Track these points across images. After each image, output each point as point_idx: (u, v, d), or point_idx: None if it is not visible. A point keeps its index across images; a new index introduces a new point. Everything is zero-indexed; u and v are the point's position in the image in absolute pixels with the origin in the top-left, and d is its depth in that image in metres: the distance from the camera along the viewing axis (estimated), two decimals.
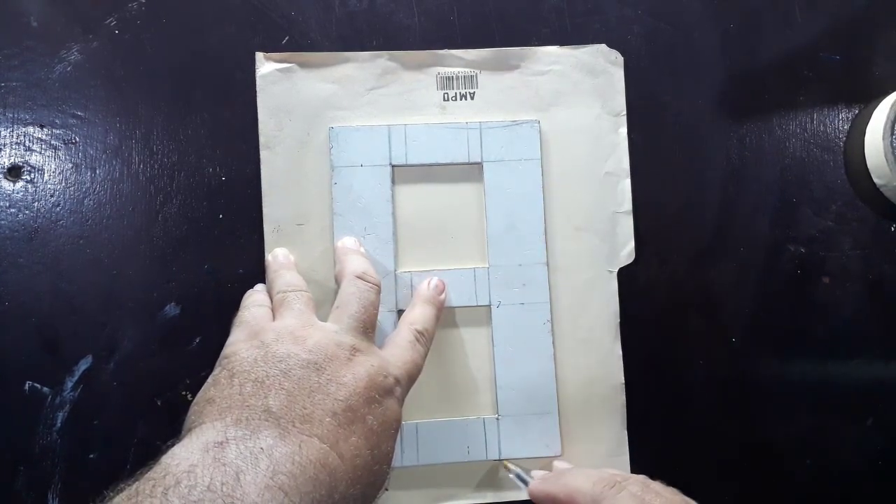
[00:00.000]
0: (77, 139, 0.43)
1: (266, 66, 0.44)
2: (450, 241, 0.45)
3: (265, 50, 0.44)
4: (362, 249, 0.43)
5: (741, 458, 0.46)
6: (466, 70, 0.45)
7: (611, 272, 0.45)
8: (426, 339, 0.40)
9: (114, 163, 0.43)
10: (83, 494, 0.40)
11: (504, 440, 0.43)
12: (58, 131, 0.43)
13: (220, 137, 0.44)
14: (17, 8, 0.43)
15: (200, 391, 0.34)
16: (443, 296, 0.43)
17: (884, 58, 0.48)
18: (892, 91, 0.46)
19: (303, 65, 0.44)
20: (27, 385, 0.41)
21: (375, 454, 0.33)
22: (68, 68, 0.43)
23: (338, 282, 0.41)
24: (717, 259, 0.46)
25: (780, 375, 0.46)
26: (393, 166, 0.44)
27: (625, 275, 0.45)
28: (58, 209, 0.43)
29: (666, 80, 0.47)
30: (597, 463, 0.44)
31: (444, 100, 0.45)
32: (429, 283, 0.43)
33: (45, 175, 0.43)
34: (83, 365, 0.42)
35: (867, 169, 0.46)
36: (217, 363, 0.36)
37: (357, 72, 0.45)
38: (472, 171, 0.45)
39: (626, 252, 0.45)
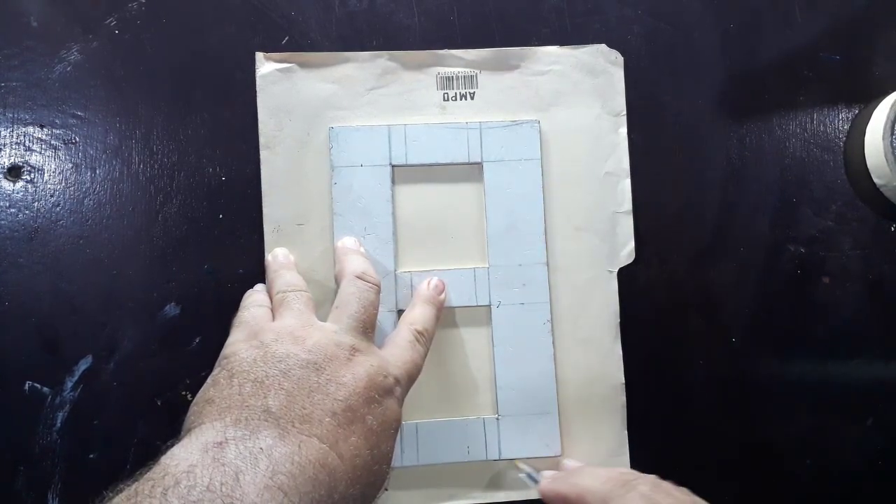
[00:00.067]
0: (77, 139, 0.43)
1: (266, 66, 0.44)
2: (450, 241, 0.45)
3: (265, 50, 0.44)
4: (362, 249, 0.43)
5: (741, 458, 0.46)
6: (466, 70, 0.45)
7: (611, 272, 0.45)
8: (426, 339, 0.40)
9: (114, 163, 0.43)
10: (83, 494, 0.40)
11: (504, 440, 0.43)
12: (58, 131, 0.43)
13: (220, 137, 0.44)
14: (17, 8, 0.43)
15: (200, 391, 0.34)
16: (443, 296, 0.43)
17: (884, 58, 0.48)
18: (892, 91, 0.46)
19: (303, 65, 0.44)
20: (27, 385, 0.41)
21: (375, 454, 0.33)
22: (68, 68, 0.43)
23: (338, 282, 0.41)
24: (717, 259, 0.46)
25: (780, 375, 0.46)
26: (393, 166, 0.44)
27: (625, 275, 0.45)
28: (58, 209, 0.43)
29: (666, 80, 0.47)
30: (597, 463, 0.44)
31: (444, 100, 0.45)
32: (429, 283, 0.43)
33: (45, 175, 0.43)
34: (83, 365, 0.42)
35: (867, 169, 0.46)
36: (217, 363, 0.36)
37: (357, 72, 0.45)
38: (472, 171, 0.45)
39: (626, 252, 0.45)
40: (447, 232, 0.45)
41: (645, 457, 0.44)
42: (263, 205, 0.43)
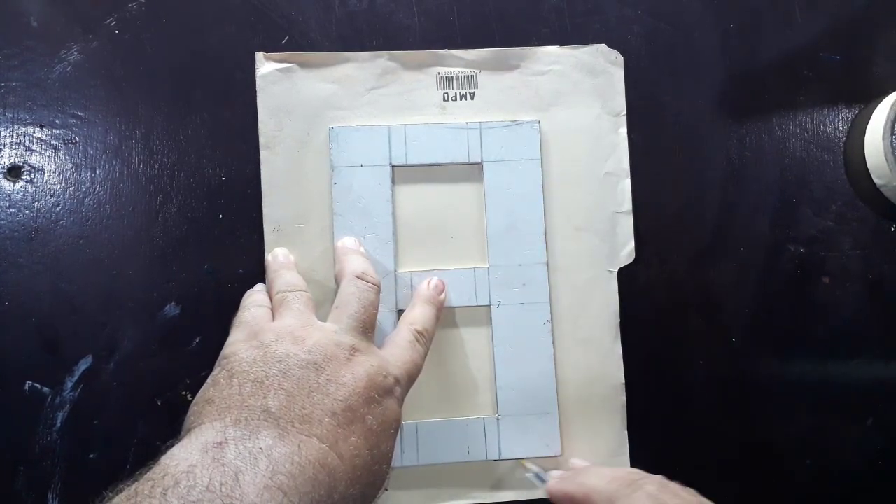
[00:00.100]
0: (77, 139, 0.43)
1: (266, 66, 0.44)
2: (450, 241, 0.45)
3: (265, 50, 0.44)
4: (362, 249, 0.43)
5: (741, 458, 0.46)
6: (466, 70, 0.45)
7: (611, 272, 0.45)
8: (426, 339, 0.40)
9: (114, 163, 0.43)
10: (83, 494, 0.40)
11: (504, 440, 0.43)
12: (58, 131, 0.43)
13: (220, 137, 0.44)
14: (17, 8, 0.43)
15: (200, 391, 0.34)
16: (443, 296, 0.43)
17: (884, 58, 0.48)
18: (892, 91, 0.46)
19: (303, 65, 0.44)
20: (27, 385, 0.41)
21: (375, 454, 0.33)
22: (68, 68, 0.43)
23: (338, 282, 0.41)
24: (717, 259, 0.46)
25: (780, 375, 0.46)
26: (393, 166, 0.44)
27: (625, 275, 0.45)
28: (58, 209, 0.43)
29: (666, 80, 0.47)
30: (596, 463, 0.43)
31: (444, 100, 0.45)
32: (429, 283, 0.43)
33: (45, 175, 0.43)
34: (83, 365, 0.42)
35: (867, 169, 0.46)
36: (216, 363, 0.36)
37: (357, 72, 0.45)
38: (472, 171, 0.45)
39: (626, 252, 0.45)
40: (447, 232, 0.45)
41: (645, 457, 0.44)
42: (263, 205, 0.43)
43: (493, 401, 0.44)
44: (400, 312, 0.42)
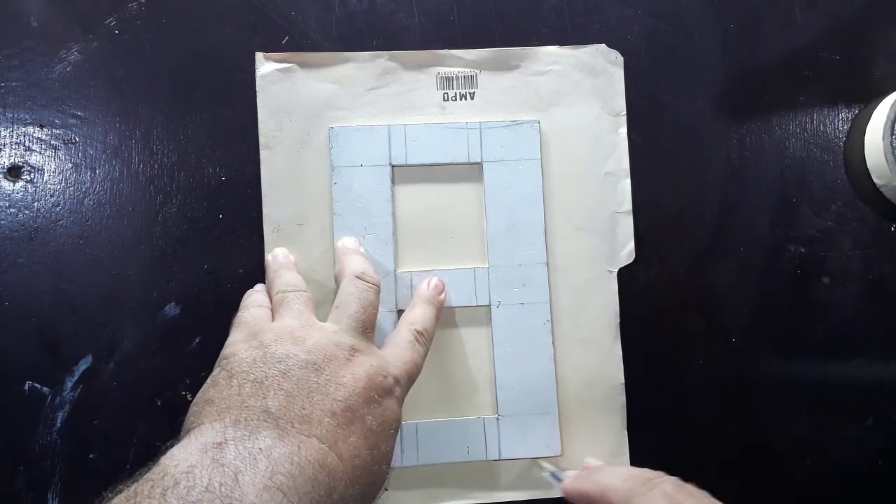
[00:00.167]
0: (77, 139, 0.43)
1: (266, 66, 0.44)
2: (450, 241, 0.45)
3: (265, 50, 0.44)
4: (362, 249, 0.43)
5: (741, 458, 0.46)
6: (466, 70, 0.45)
7: (611, 272, 0.45)
8: (426, 339, 0.40)
9: (114, 163, 0.43)
10: (83, 494, 0.40)
11: (504, 440, 0.43)
12: (58, 131, 0.43)
13: (220, 137, 0.44)
14: (17, 8, 0.43)
15: (199, 392, 0.34)
16: (442, 296, 0.43)
17: (884, 58, 0.48)
18: (892, 91, 0.46)
19: (303, 65, 0.44)
20: (27, 385, 0.41)
21: (375, 454, 0.33)
22: (68, 68, 0.43)
23: (337, 282, 0.41)
24: (717, 259, 0.46)
25: (780, 375, 0.46)
26: (393, 166, 0.44)
27: (625, 275, 0.45)
28: (58, 209, 0.43)
29: (666, 80, 0.47)
30: None
31: (444, 100, 0.45)
32: (428, 283, 0.43)
33: (45, 175, 0.43)
34: (83, 365, 0.42)
35: (867, 169, 0.46)
36: (216, 364, 0.36)
37: (357, 72, 0.45)
38: (472, 171, 0.45)
39: (626, 252, 0.45)
40: (447, 232, 0.45)
41: (645, 457, 0.44)
42: (263, 205, 0.43)
43: (493, 401, 0.44)
44: (400, 312, 0.42)
